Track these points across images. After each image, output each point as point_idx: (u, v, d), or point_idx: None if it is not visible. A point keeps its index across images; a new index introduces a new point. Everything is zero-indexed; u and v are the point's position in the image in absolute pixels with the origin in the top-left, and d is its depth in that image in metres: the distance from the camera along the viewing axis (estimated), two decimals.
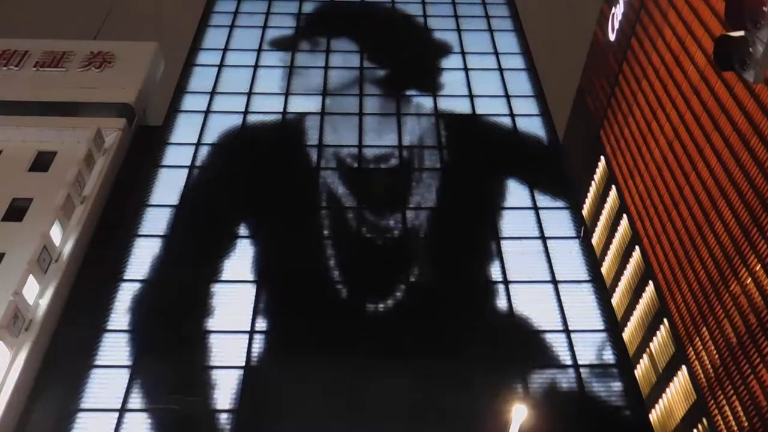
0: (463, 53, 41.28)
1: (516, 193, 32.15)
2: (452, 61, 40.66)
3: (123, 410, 23.33)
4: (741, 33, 13.08)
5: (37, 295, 27.38)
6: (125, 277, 27.70)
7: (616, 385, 24.69)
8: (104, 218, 32.61)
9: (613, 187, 40.37)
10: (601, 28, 45.66)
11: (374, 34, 43.19)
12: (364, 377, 24.37)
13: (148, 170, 32.78)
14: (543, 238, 30.01)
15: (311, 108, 36.82)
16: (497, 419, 22.80)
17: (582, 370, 24.96)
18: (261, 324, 26.16)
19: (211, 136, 34.99)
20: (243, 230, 29.90)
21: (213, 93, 37.73)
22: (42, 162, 33.92)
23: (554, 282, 28.10)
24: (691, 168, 30.75)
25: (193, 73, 39.34)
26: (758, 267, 24.87)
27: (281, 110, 36.59)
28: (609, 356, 25.58)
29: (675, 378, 30.71)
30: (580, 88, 49.45)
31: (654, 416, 32.25)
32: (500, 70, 39.98)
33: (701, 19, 31.26)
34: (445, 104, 37.25)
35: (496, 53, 41.41)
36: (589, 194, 45.08)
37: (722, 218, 27.73)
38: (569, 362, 25.24)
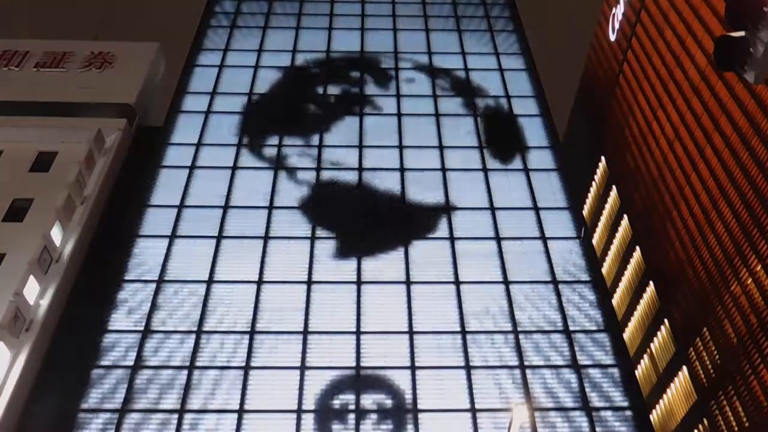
0: (463, 53, 41.25)
1: (516, 193, 32.16)
2: (452, 61, 40.62)
3: (123, 410, 23.36)
4: (741, 33, 13.03)
5: (38, 295, 27.39)
6: (125, 277, 27.71)
7: (616, 385, 24.69)
8: (104, 218, 32.62)
9: (613, 187, 40.32)
10: (601, 28, 45.60)
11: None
12: None
13: (148, 171, 32.78)
14: (543, 238, 30.00)
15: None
16: (497, 420, 22.83)
17: (582, 370, 24.97)
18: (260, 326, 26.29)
19: (212, 136, 35.01)
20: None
21: (213, 93, 37.71)
22: (43, 162, 33.91)
23: (554, 282, 28.10)
24: (692, 168, 30.70)
25: (193, 74, 39.33)
26: (759, 267, 24.82)
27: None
28: (609, 356, 25.57)
29: (675, 378, 30.66)
30: (580, 88, 49.37)
31: (654, 416, 32.20)
32: (500, 70, 39.96)
33: (702, 19, 31.21)
34: (445, 105, 37.23)
35: (496, 53, 41.39)
36: (589, 194, 45.02)
37: (723, 218, 27.69)
38: (569, 362, 25.25)
